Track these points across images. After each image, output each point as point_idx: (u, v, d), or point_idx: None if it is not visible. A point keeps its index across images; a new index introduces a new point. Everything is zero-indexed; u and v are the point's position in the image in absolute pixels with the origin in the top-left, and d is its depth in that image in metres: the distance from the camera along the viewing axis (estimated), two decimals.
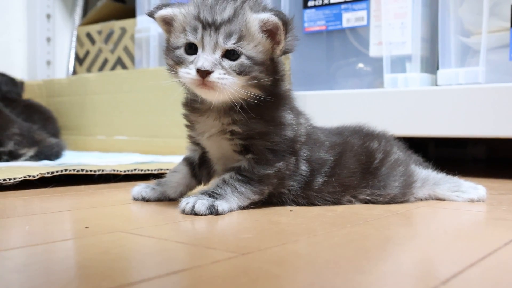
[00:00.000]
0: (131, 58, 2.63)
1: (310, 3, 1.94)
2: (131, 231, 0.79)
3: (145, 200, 1.10)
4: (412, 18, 1.72)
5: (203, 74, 0.91)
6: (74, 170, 1.34)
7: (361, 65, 1.87)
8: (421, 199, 1.18)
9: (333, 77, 1.90)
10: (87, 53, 2.87)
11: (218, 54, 0.93)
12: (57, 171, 1.30)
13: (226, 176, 0.99)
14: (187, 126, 1.09)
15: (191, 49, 0.95)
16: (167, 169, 1.53)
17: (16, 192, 1.19)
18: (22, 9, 2.90)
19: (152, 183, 1.13)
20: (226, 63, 0.92)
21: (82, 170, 1.35)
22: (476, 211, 1.07)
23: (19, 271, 0.58)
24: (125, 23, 2.68)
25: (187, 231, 0.83)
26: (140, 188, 1.11)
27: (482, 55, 1.61)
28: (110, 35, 2.73)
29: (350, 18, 1.86)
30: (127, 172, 1.43)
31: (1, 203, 1.06)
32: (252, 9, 0.95)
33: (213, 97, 0.95)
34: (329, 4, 1.90)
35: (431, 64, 1.77)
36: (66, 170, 1.32)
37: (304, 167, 1.05)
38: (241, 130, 0.99)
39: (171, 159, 1.86)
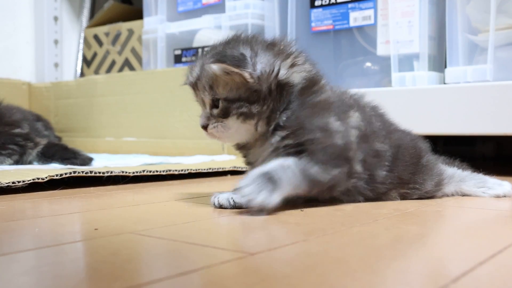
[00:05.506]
0: (139, 59, 2.64)
1: (317, 3, 1.94)
2: (140, 232, 0.80)
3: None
4: (420, 16, 1.72)
5: (204, 128, 1.05)
6: (82, 172, 1.34)
7: (368, 64, 1.87)
8: (447, 195, 1.22)
9: (340, 76, 1.90)
10: (95, 55, 2.88)
11: (208, 107, 1.04)
12: (66, 173, 1.30)
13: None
14: (243, 157, 1.14)
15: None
16: (176, 170, 1.54)
17: (25, 194, 1.20)
18: (29, 12, 2.91)
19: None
20: (214, 111, 1.03)
21: (91, 172, 1.35)
22: (486, 209, 1.07)
23: (28, 273, 0.58)
24: (132, 24, 2.68)
25: (196, 231, 0.83)
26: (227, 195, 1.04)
27: (490, 53, 1.60)
28: (117, 36, 2.74)
29: (357, 17, 1.85)
30: (135, 174, 1.43)
31: (10, 206, 1.06)
32: (210, 60, 1.01)
33: (223, 141, 1.09)
34: (336, 4, 1.89)
35: (439, 62, 1.77)
36: (75, 172, 1.33)
37: (358, 167, 1.06)
38: (292, 141, 1.01)
39: (180, 160, 1.87)
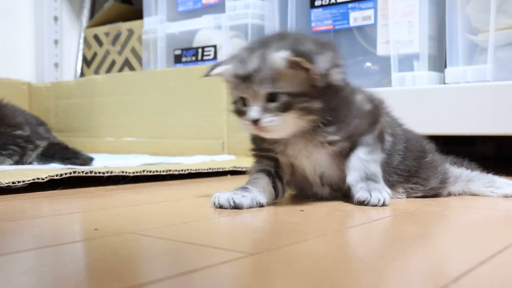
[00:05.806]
0: (139, 59, 2.64)
1: (317, 3, 1.94)
2: (140, 232, 0.80)
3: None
4: (420, 16, 1.72)
5: (255, 122, 0.99)
6: (83, 172, 1.34)
7: (368, 64, 1.87)
8: (454, 195, 1.23)
9: None
10: (95, 55, 2.88)
11: (262, 100, 0.99)
12: (66, 173, 1.30)
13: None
14: (266, 150, 1.11)
15: (244, 101, 1.02)
16: (176, 170, 1.54)
17: (25, 194, 1.20)
18: (29, 12, 2.91)
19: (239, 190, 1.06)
20: (271, 105, 0.99)
21: (91, 172, 1.35)
22: (491, 209, 1.07)
23: (28, 273, 0.58)
24: (132, 24, 2.68)
25: (196, 231, 0.83)
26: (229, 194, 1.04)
27: (490, 53, 1.60)
28: (117, 36, 2.74)
29: (357, 17, 1.85)
30: (135, 174, 1.43)
31: (10, 206, 1.06)
32: (275, 50, 0.99)
33: (273, 136, 1.04)
34: (336, 4, 1.89)
35: (439, 62, 1.77)
36: (75, 172, 1.33)
37: (388, 137, 1.13)
38: (339, 137, 1.05)
39: (180, 160, 1.87)
